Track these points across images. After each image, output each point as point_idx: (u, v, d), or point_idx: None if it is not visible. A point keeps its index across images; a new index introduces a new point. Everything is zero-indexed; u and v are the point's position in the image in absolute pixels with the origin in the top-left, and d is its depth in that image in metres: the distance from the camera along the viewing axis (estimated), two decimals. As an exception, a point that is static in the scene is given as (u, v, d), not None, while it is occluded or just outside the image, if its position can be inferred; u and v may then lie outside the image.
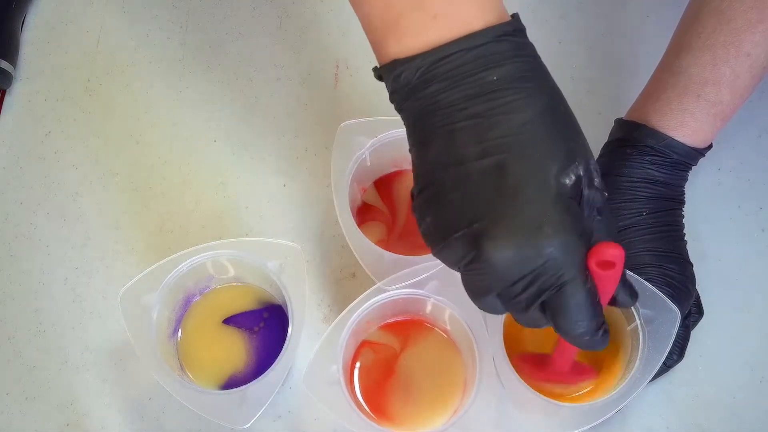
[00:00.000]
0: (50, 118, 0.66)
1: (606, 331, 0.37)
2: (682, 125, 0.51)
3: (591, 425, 0.46)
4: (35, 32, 0.69)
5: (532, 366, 0.50)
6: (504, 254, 0.34)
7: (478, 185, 0.35)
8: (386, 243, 0.57)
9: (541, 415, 0.49)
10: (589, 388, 0.50)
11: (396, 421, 0.51)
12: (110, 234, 0.61)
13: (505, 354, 0.48)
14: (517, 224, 0.34)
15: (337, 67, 0.66)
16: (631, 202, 0.52)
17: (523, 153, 0.35)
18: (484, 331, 0.49)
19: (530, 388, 0.47)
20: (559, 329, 0.36)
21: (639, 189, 0.52)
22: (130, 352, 0.57)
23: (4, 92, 0.67)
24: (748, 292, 0.58)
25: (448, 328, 0.53)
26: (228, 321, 0.55)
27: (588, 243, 0.35)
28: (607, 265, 0.35)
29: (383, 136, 0.55)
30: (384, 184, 0.60)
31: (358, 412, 0.47)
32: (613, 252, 0.34)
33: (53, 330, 0.58)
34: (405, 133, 0.55)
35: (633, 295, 0.38)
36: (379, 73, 0.38)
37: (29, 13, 0.70)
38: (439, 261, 0.49)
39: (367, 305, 0.50)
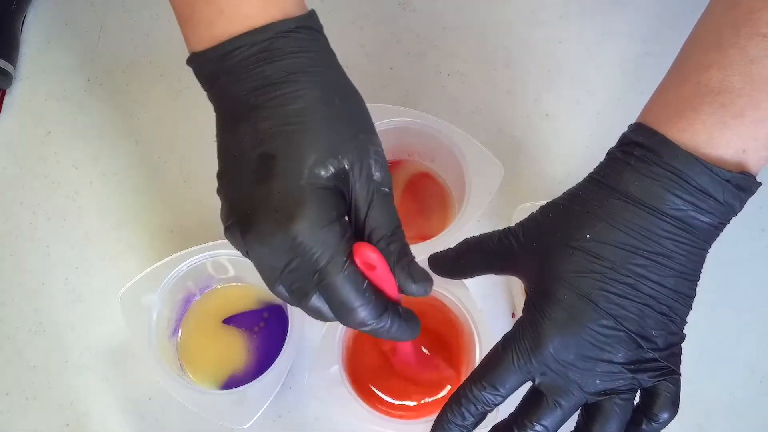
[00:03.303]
0: (50, 118, 0.66)
1: (402, 323, 0.37)
2: (680, 117, 0.38)
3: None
4: (35, 32, 0.69)
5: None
6: (261, 245, 0.35)
7: (248, 175, 0.36)
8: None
9: None
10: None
11: (397, 411, 0.51)
12: (110, 234, 0.61)
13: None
14: (270, 214, 0.35)
15: (337, 67, 0.66)
16: None
17: (288, 142, 0.36)
18: (486, 322, 0.50)
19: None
20: (338, 318, 0.37)
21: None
22: (130, 352, 0.57)
23: (4, 92, 0.67)
24: (748, 292, 0.58)
25: (448, 318, 0.53)
26: (228, 321, 0.55)
27: (346, 235, 0.36)
28: (369, 266, 0.35)
29: (380, 124, 0.54)
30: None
31: (359, 401, 0.48)
32: (368, 254, 0.35)
33: (53, 330, 0.58)
34: (402, 122, 0.55)
35: (421, 281, 0.38)
36: (188, 64, 0.40)
37: (29, 13, 0.70)
38: None
39: None
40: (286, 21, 0.37)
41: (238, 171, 0.37)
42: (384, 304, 0.37)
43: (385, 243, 0.37)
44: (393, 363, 0.52)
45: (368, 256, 0.35)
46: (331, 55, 0.40)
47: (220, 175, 0.39)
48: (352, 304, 0.35)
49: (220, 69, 0.37)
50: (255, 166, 0.36)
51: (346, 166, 0.36)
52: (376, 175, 0.38)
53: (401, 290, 0.38)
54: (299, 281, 0.36)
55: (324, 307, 0.37)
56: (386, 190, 0.38)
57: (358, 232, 0.37)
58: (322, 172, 0.36)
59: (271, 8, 0.37)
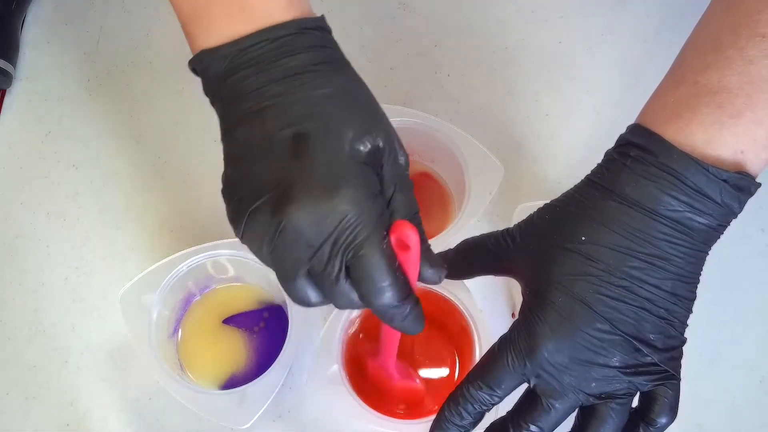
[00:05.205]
0: (50, 118, 0.66)
1: (418, 313, 0.37)
2: (677, 118, 0.38)
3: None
4: (35, 32, 0.69)
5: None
6: (303, 214, 0.34)
7: (280, 154, 0.36)
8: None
9: None
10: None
11: (397, 411, 0.51)
12: (110, 234, 0.61)
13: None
14: (313, 185, 0.35)
15: (337, 67, 0.66)
16: None
17: (322, 122, 0.36)
18: (486, 322, 0.50)
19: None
20: (363, 297, 0.36)
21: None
22: (130, 352, 0.57)
23: (4, 92, 0.67)
24: (748, 292, 0.58)
25: (447, 317, 0.53)
26: (228, 321, 0.55)
27: (384, 212, 0.36)
28: (404, 246, 0.35)
29: None
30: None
31: (359, 401, 0.48)
32: (408, 232, 0.34)
33: (53, 330, 0.58)
34: (402, 121, 0.55)
35: (438, 269, 0.38)
36: (192, 66, 0.39)
37: (29, 13, 0.70)
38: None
39: None
40: (306, 20, 0.38)
41: (265, 152, 0.36)
42: (408, 288, 0.36)
43: None
44: (371, 369, 0.51)
45: (407, 234, 0.34)
46: (342, 53, 0.40)
47: (234, 166, 0.37)
48: (382, 281, 0.35)
49: (238, 64, 0.37)
50: (288, 145, 0.35)
51: (381, 144, 0.36)
52: (401, 159, 0.38)
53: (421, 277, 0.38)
54: (334, 257, 0.35)
55: (353, 292, 0.36)
56: (407, 174, 0.38)
57: None
58: (361, 148, 0.36)
59: (292, 9, 0.38)
